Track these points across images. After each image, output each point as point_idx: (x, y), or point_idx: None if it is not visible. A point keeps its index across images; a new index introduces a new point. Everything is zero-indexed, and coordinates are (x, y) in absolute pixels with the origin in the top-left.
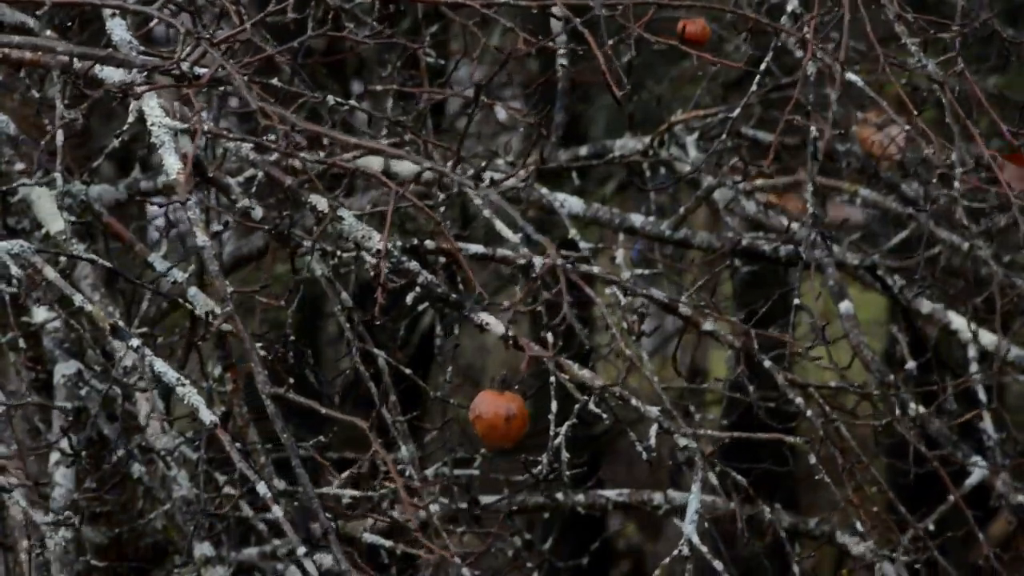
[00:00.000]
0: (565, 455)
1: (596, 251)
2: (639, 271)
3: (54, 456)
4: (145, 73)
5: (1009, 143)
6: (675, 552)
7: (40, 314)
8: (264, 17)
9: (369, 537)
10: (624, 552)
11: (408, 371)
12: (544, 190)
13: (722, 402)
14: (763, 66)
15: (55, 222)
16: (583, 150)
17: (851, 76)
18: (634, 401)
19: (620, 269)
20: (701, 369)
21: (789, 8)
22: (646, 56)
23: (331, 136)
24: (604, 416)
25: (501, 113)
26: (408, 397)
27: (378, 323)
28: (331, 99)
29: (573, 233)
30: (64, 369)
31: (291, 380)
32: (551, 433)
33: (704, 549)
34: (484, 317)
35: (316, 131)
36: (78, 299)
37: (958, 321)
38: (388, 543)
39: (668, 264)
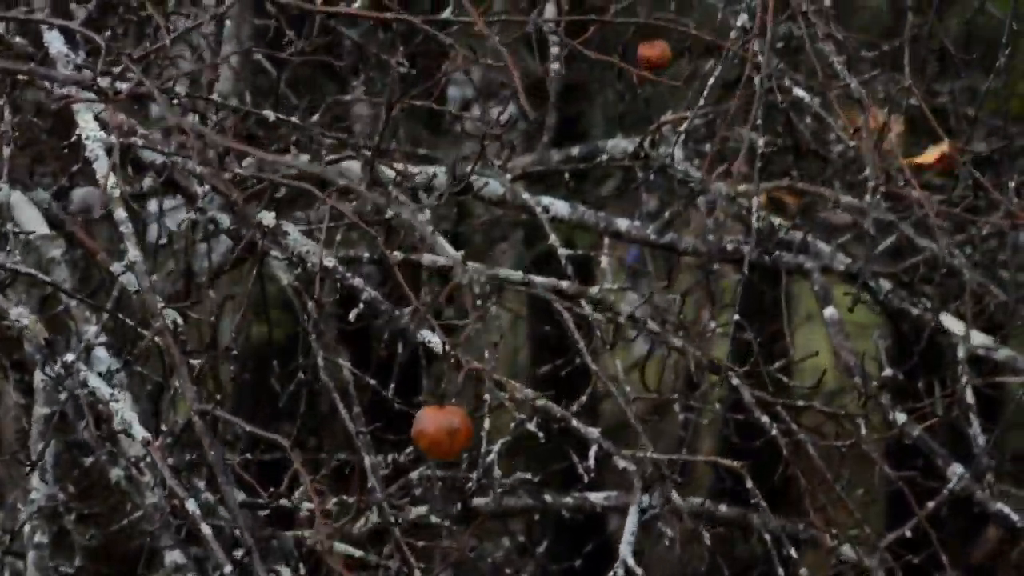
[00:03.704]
0: (497, 473)
1: (577, 257)
2: (610, 286)
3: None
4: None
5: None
6: (610, 574)
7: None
8: (187, 32)
9: (340, 546)
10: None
11: (373, 382)
12: (526, 195)
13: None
14: (711, 81)
15: (35, 225)
16: (575, 151)
17: (799, 91)
18: (574, 422)
19: (606, 274)
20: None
21: (739, 23)
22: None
23: (252, 153)
24: (540, 436)
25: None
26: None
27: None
28: (270, 115)
29: (553, 239)
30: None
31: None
32: (482, 451)
33: (639, 571)
34: (427, 335)
35: (234, 147)
36: (15, 312)
37: (949, 321)
38: (359, 552)
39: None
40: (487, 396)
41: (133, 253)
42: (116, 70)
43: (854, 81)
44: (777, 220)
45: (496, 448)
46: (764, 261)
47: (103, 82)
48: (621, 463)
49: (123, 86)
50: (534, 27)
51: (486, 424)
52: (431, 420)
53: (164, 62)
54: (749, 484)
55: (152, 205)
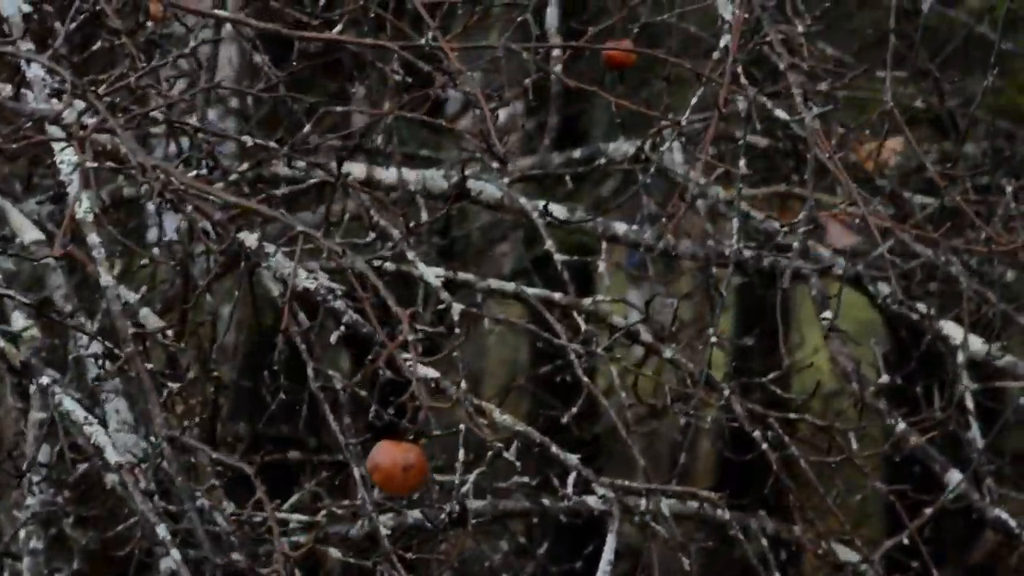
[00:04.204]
0: (472, 504)
1: (575, 263)
2: (600, 297)
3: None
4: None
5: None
6: None
7: (18, 321)
8: (155, 67)
9: (335, 553)
10: (623, 553)
11: (358, 391)
12: (523, 199)
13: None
14: (695, 99)
15: (28, 232)
16: (576, 154)
17: (780, 113)
18: (554, 448)
19: (603, 279)
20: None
21: (722, 43)
22: (644, 57)
23: (211, 192)
24: (517, 464)
25: (500, 116)
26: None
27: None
28: (248, 140)
29: (549, 244)
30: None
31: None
32: (457, 481)
33: None
34: (408, 358)
35: (193, 186)
36: None
37: (950, 327)
38: (353, 559)
39: (659, 275)
40: (462, 425)
41: (105, 279)
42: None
43: (809, 115)
44: (775, 224)
45: (472, 478)
46: (763, 266)
47: (69, 117)
48: (600, 490)
49: (90, 121)
50: (504, 51)
51: (461, 455)
52: (386, 454)
53: (139, 91)
54: (727, 515)
55: (150, 206)
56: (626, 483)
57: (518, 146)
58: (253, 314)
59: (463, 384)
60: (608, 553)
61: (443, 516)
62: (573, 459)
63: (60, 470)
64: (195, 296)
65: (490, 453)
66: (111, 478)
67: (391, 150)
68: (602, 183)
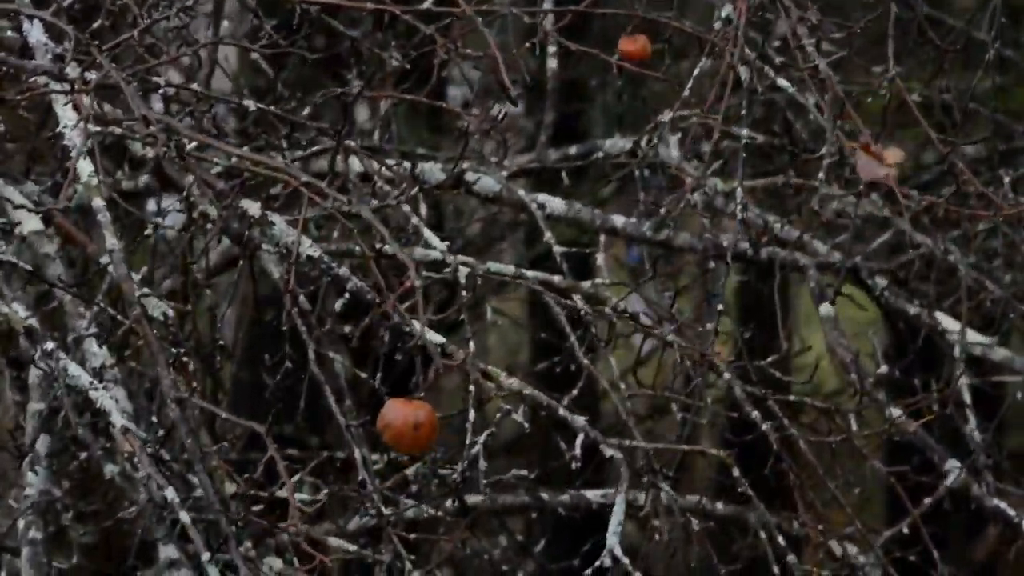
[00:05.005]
0: (483, 464)
1: (575, 255)
2: (600, 280)
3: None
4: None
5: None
6: (596, 563)
7: (18, 313)
8: (155, 22)
9: (334, 541)
10: (623, 551)
11: (364, 375)
12: (521, 191)
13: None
14: (696, 73)
15: (28, 221)
16: (573, 149)
17: (782, 82)
18: (561, 411)
19: (602, 271)
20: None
21: (723, 13)
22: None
23: (214, 144)
24: (525, 425)
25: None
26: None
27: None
28: (251, 104)
29: (548, 236)
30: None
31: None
32: (467, 442)
33: (626, 561)
34: (416, 327)
35: (202, 140)
36: None
37: (947, 322)
38: (352, 547)
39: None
40: (472, 388)
41: (111, 242)
42: (86, 60)
43: (822, 62)
44: (772, 217)
45: (481, 440)
46: (760, 258)
47: (72, 72)
48: (608, 451)
49: (93, 76)
50: (511, 16)
51: (471, 416)
52: (397, 413)
53: (140, 50)
54: (736, 472)
55: (151, 204)
56: (633, 443)
57: (515, 143)
58: (254, 310)
59: (471, 346)
60: (618, 514)
61: (455, 476)
62: (580, 420)
63: (61, 441)
64: (195, 289)
65: (498, 415)
66: (110, 468)
67: (388, 145)
68: (601, 182)
